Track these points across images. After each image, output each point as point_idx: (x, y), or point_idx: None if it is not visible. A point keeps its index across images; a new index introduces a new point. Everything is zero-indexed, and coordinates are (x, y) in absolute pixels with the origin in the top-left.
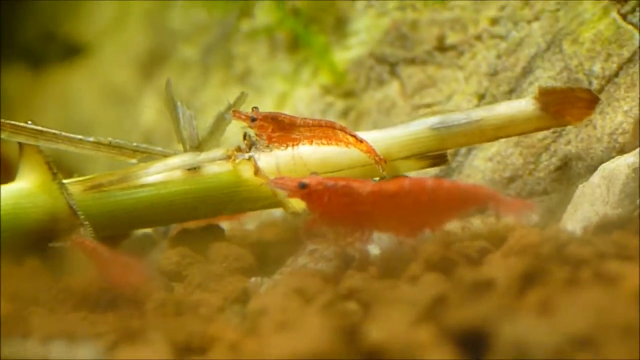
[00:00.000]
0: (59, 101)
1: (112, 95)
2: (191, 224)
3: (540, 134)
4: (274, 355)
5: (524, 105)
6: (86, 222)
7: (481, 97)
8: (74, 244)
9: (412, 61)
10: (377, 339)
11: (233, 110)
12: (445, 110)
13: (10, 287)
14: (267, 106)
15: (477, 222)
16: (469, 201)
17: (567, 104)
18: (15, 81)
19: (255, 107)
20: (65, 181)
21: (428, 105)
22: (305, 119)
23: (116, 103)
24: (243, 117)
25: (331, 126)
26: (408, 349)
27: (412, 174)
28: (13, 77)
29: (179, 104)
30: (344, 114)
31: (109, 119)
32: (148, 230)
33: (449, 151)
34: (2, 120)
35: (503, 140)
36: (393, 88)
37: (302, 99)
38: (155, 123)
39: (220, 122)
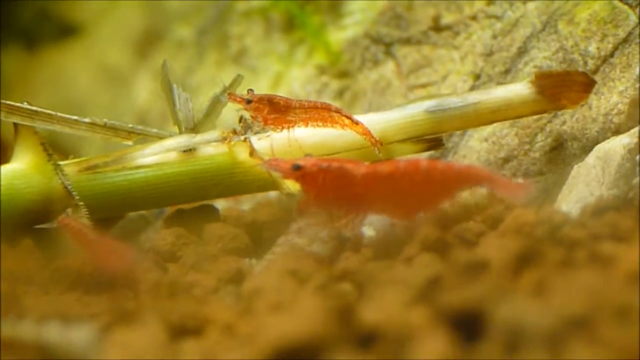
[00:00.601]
0: (54, 81)
1: (107, 75)
2: (186, 205)
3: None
4: (268, 337)
5: (520, 88)
6: (81, 203)
7: (476, 77)
8: (60, 224)
9: (407, 41)
10: (372, 320)
11: (228, 92)
12: (442, 94)
13: (4, 267)
14: (262, 86)
15: (471, 202)
16: (464, 182)
17: (563, 88)
18: (10, 61)
19: (251, 89)
20: (60, 162)
21: (423, 86)
22: (300, 100)
23: (111, 83)
24: (238, 99)
25: (327, 108)
26: (402, 330)
27: (408, 157)
28: (8, 57)
29: (174, 85)
30: (339, 94)
31: (104, 100)
32: (143, 211)
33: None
34: None
35: None
36: (388, 68)
37: (297, 79)
38: (150, 104)
39: (215, 104)
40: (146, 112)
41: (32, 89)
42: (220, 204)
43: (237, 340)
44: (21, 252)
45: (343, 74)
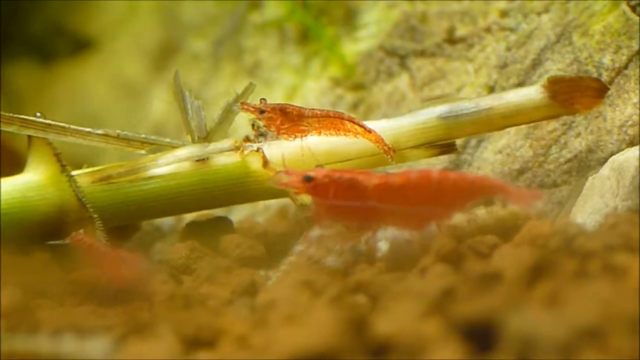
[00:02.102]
0: (70, 95)
1: (123, 88)
2: (200, 216)
3: (550, 126)
4: (282, 349)
5: (532, 93)
6: (95, 215)
7: (490, 90)
8: (73, 242)
9: (421, 53)
10: (385, 332)
11: (241, 101)
12: (454, 99)
13: (19, 279)
14: (277, 99)
15: (484, 214)
16: (476, 192)
17: (576, 93)
18: (25, 75)
19: (263, 99)
20: (74, 173)
21: (437, 98)
22: (313, 109)
23: (127, 96)
24: (251, 108)
25: (339, 117)
26: (416, 342)
27: (421, 163)
28: (23, 72)
29: (187, 95)
30: (354, 106)
31: (120, 112)
32: (158, 221)
33: (459, 143)
34: (11, 114)
35: (513, 132)
36: (403, 80)
37: (312, 92)
38: (166, 115)
39: (228, 113)
40: (162, 125)
41: (48, 103)
42: (235, 215)
43: (250, 352)
44: (36, 264)
45: (357, 87)
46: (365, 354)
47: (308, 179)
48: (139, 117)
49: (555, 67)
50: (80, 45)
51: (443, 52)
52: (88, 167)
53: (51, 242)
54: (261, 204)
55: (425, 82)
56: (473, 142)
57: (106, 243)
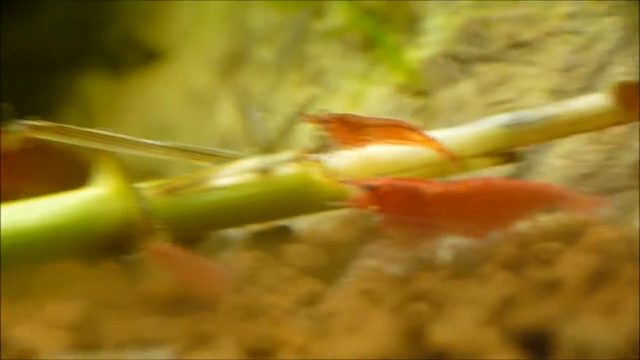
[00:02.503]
0: (140, 106)
1: (192, 98)
2: (264, 225)
3: (615, 130)
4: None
5: (597, 100)
6: (160, 226)
7: (555, 94)
8: (151, 253)
9: (485, 59)
10: (443, 341)
11: (303, 112)
12: (517, 107)
13: (85, 292)
14: (340, 106)
15: (547, 220)
16: (538, 200)
17: None
18: (97, 87)
19: (324, 109)
20: (139, 186)
21: (501, 103)
22: (374, 119)
23: (196, 106)
24: (313, 119)
25: (401, 126)
26: (473, 350)
27: (484, 172)
28: (94, 83)
29: (249, 106)
30: (417, 113)
31: (190, 122)
32: (223, 231)
33: (523, 148)
34: (77, 127)
35: (578, 136)
36: (466, 86)
37: (375, 99)
38: (235, 124)
39: (290, 124)
40: (231, 133)
41: (119, 114)
42: (299, 224)
43: None
44: (103, 276)
45: (421, 93)
46: None
47: (369, 189)
48: (209, 126)
49: (620, 70)
50: (150, 56)
51: (506, 56)
52: (154, 179)
53: (123, 257)
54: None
55: (488, 87)
56: (538, 146)
57: (185, 251)
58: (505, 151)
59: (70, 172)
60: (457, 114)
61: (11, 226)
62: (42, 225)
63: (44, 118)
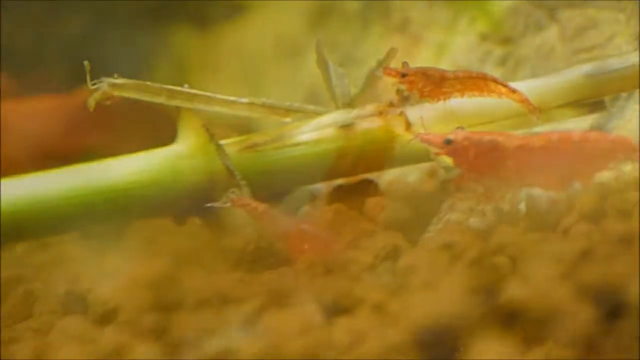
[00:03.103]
0: (229, 59)
1: (281, 49)
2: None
3: None
4: (415, 316)
5: None
6: (243, 182)
7: None
8: (236, 204)
9: (571, 4)
10: (519, 296)
11: (384, 66)
12: (602, 56)
13: (170, 248)
14: (425, 57)
15: (630, 170)
16: (617, 152)
17: None
18: (185, 43)
19: (405, 62)
20: (221, 142)
21: (588, 49)
22: (455, 71)
23: (285, 57)
24: (393, 73)
25: (482, 77)
26: (548, 306)
27: (567, 123)
28: (182, 39)
29: (330, 62)
30: (502, 61)
31: (279, 74)
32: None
33: (606, 97)
34: (160, 85)
35: None
36: (552, 32)
37: (459, 48)
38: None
39: (371, 79)
40: (319, 85)
41: (209, 68)
42: (385, 176)
43: (385, 319)
44: (188, 231)
45: (506, 41)
46: (497, 318)
47: (448, 142)
48: (297, 78)
49: None
50: (238, 8)
51: (593, 2)
52: (238, 135)
53: (209, 205)
54: None
55: (575, 33)
56: (624, 94)
57: (269, 207)
58: (589, 101)
59: (155, 129)
60: (543, 62)
61: (98, 183)
62: (128, 182)
63: (135, 76)
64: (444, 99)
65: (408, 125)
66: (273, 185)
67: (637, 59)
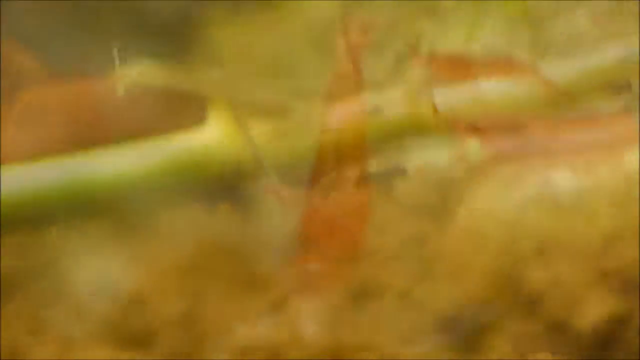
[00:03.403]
0: (262, 45)
1: (315, 36)
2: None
3: None
4: (438, 302)
5: None
6: (273, 168)
7: None
8: (268, 191)
9: None
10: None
11: (412, 49)
12: (632, 40)
13: (198, 235)
14: (454, 39)
15: None
16: None
17: None
18: (217, 28)
19: (434, 45)
20: (251, 128)
21: (618, 33)
22: (483, 55)
23: (319, 44)
24: (421, 56)
25: (510, 61)
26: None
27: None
28: (215, 25)
29: (358, 46)
30: (531, 45)
31: (313, 61)
32: None
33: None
34: (187, 70)
35: None
36: (581, 16)
37: (489, 31)
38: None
39: (399, 61)
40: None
41: (243, 58)
42: (411, 162)
43: (410, 305)
44: (218, 217)
45: (535, 24)
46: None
47: (476, 126)
48: (331, 64)
49: None
50: None
51: None
52: (268, 120)
53: (239, 192)
54: None
55: (605, 17)
56: None
57: (297, 192)
58: (618, 84)
59: (184, 114)
60: (571, 46)
61: (127, 169)
62: (156, 168)
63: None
64: (471, 83)
65: (435, 110)
66: (302, 171)
67: None
